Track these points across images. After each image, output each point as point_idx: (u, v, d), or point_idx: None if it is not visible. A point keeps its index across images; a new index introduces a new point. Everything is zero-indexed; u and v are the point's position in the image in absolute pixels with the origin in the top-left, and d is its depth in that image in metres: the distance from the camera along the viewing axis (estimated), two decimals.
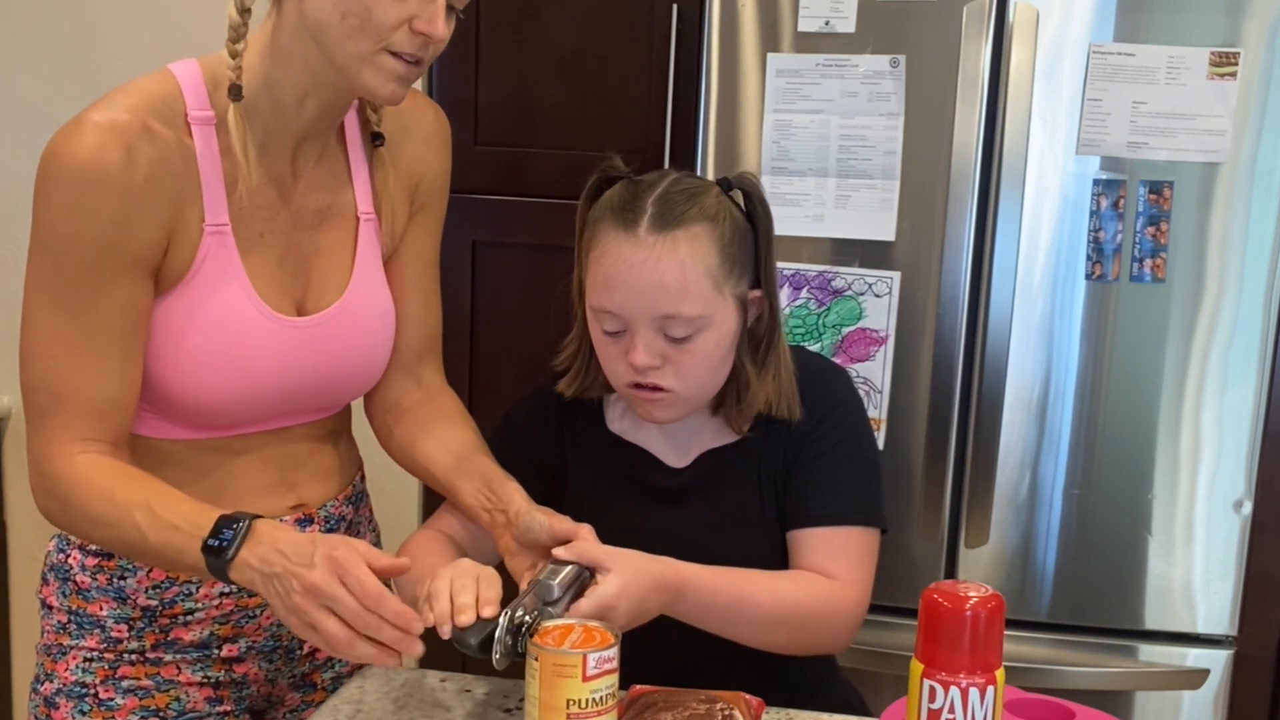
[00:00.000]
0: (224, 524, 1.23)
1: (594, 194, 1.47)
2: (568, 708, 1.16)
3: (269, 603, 1.22)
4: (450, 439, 1.50)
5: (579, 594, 1.27)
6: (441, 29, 1.27)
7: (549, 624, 1.21)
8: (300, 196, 1.38)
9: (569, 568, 1.29)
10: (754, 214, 1.45)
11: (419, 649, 1.18)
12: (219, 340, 1.32)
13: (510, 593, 1.27)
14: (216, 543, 1.22)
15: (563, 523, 1.36)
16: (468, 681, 1.45)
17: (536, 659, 1.16)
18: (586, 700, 1.16)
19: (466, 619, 1.20)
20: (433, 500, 1.54)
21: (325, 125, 1.37)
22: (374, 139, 1.43)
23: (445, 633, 1.21)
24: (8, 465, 2.78)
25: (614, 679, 1.18)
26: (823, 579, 1.46)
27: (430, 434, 1.50)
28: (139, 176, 1.25)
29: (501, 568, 1.35)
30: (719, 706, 1.29)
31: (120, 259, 1.26)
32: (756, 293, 1.46)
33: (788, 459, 1.50)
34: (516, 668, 1.22)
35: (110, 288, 1.26)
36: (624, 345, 1.42)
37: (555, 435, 1.56)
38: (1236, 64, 2.04)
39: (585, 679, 1.16)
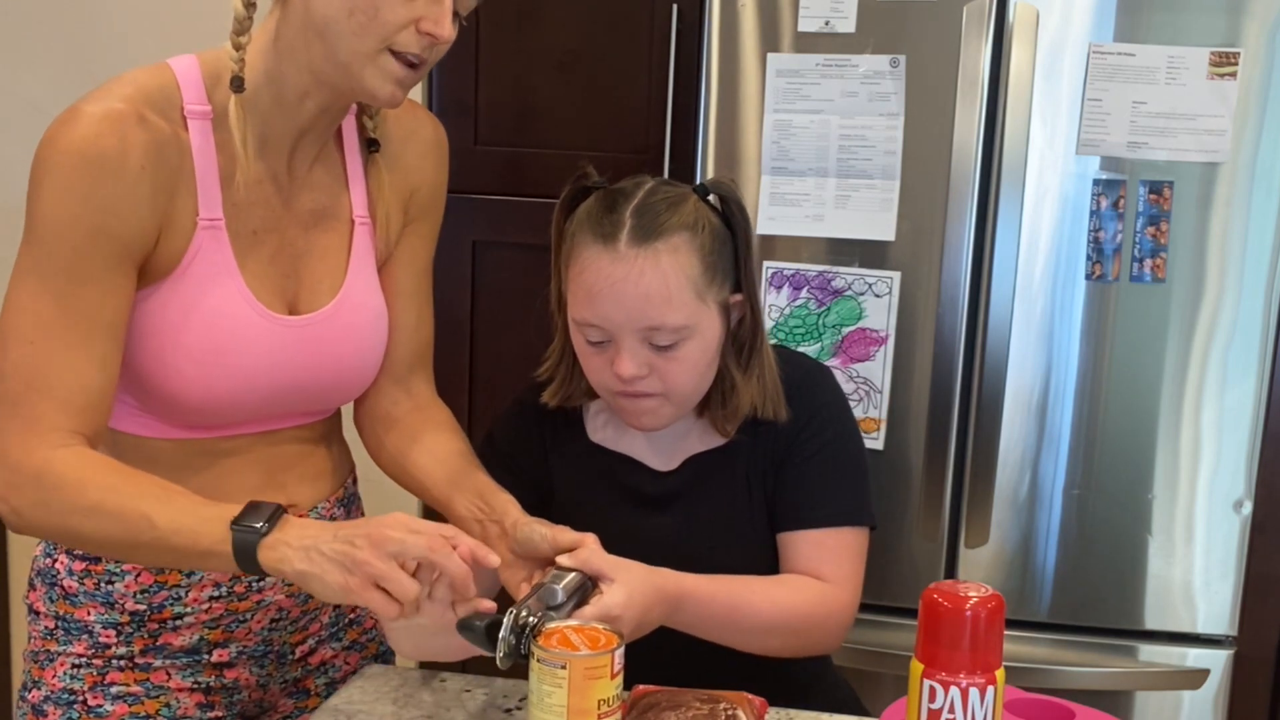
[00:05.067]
0: (252, 507, 1.21)
1: (569, 205, 1.46)
2: (599, 708, 1.17)
3: (308, 574, 1.17)
4: (440, 450, 1.49)
5: (581, 602, 1.27)
6: (447, 30, 1.27)
7: (553, 625, 1.21)
8: (296, 196, 1.38)
9: (572, 574, 1.29)
10: (731, 218, 1.45)
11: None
12: (210, 335, 1.31)
13: (504, 604, 1.27)
14: (246, 523, 1.19)
15: (565, 533, 1.35)
16: (468, 681, 1.45)
17: (564, 666, 1.16)
18: (613, 698, 1.19)
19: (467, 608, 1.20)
20: None
21: (324, 126, 1.37)
22: (369, 146, 1.43)
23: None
24: None
25: (621, 674, 1.21)
26: (815, 582, 1.46)
27: (421, 444, 1.49)
28: (133, 163, 1.24)
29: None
30: (722, 706, 1.29)
31: (111, 247, 1.25)
32: (738, 296, 1.46)
33: (776, 461, 1.50)
34: (517, 668, 1.22)
35: (99, 275, 1.25)
36: (609, 356, 1.42)
37: (538, 448, 1.56)
38: (1236, 64, 2.04)
39: (612, 676, 1.18)
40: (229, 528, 1.19)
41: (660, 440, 1.53)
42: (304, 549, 1.17)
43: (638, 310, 1.38)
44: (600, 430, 1.55)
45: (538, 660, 1.17)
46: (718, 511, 1.51)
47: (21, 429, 1.24)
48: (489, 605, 1.23)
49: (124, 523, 1.22)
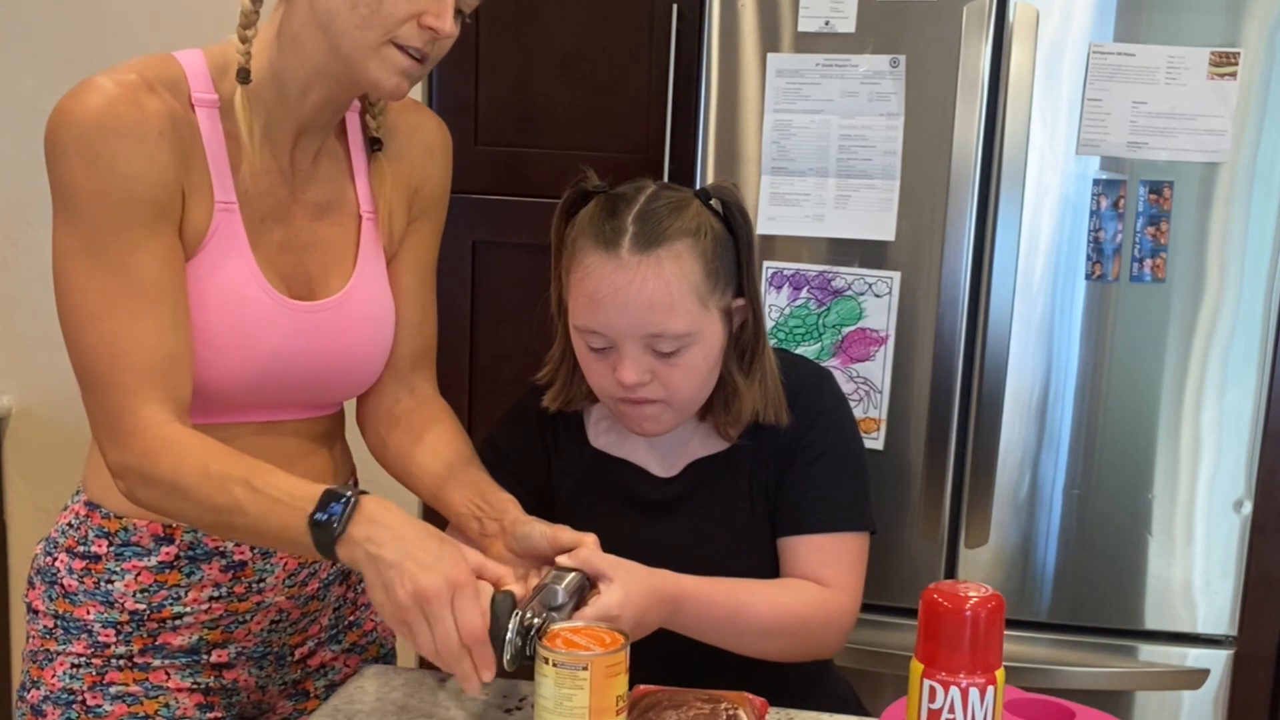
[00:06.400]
0: (330, 497, 1.21)
1: (569, 210, 1.46)
2: (616, 704, 1.18)
3: (367, 583, 1.20)
4: (442, 448, 1.49)
5: (580, 603, 1.27)
6: (449, 25, 1.28)
7: (555, 628, 1.21)
8: (302, 188, 1.39)
9: (572, 574, 1.29)
10: (733, 223, 1.44)
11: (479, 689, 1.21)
12: (222, 318, 1.31)
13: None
14: (324, 516, 1.20)
15: (564, 532, 1.35)
16: None
17: (585, 668, 1.16)
18: (625, 694, 1.20)
19: (489, 675, 1.20)
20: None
21: (325, 120, 1.38)
22: (372, 144, 1.44)
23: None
24: (8, 465, 2.78)
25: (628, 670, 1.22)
26: (815, 587, 1.46)
27: (423, 443, 1.50)
28: (152, 129, 1.25)
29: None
30: (723, 706, 1.29)
31: (149, 212, 1.25)
32: (740, 301, 1.46)
33: (778, 465, 1.50)
34: (523, 668, 1.22)
35: (145, 241, 1.25)
36: (611, 362, 1.41)
37: (539, 451, 1.56)
38: (1236, 64, 2.04)
39: (625, 673, 1.19)
40: (307, 525, 1.21)
41: (662, 445, 1.52)
42: (370, 557, 1.19)
43: (640, 318, 1.37)
44: (602, 435, 1.55)
45: (554, 665, 1.16)
46: (720, 517, 1.51)
47: (120, 408, 1.26)
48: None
49: (217, 510, 1.25)
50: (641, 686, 1.34)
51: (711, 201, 1.45)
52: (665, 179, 2.32)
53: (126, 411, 1.26)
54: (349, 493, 1.22)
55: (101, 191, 1.24)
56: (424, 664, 1.51)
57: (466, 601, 1.18)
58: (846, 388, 2.16)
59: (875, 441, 2.18)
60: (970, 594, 1.11)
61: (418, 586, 1.17)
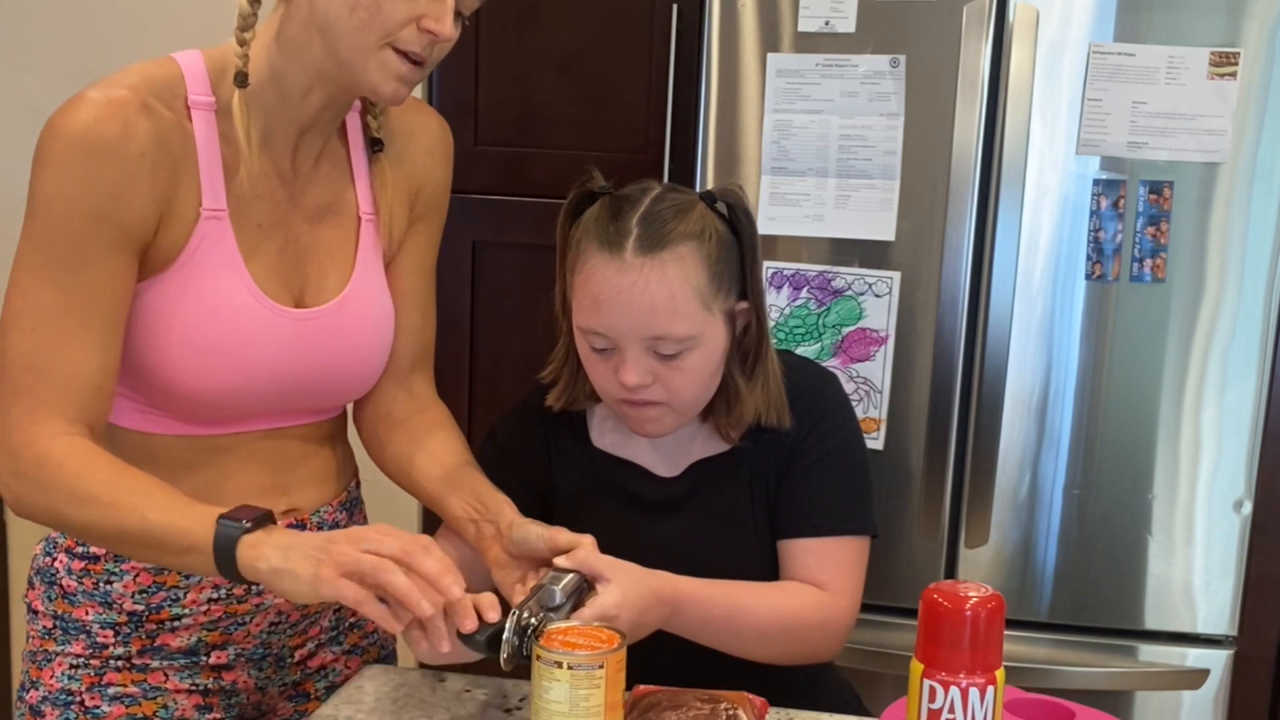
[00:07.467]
0: (242, 507, 1.21)
1: (574, 211, 1.46)
2: (621, 699, 1.19)
3: (281, 570, 1.16)
4: (440, 452, 1.49)
5: (578, 604, 1.27)
6: (449, 28, 1.27)
7: (553, 627, 1.21)
8: (301, 191, 1.38)
9: (570, 575, 1.29)
10: (738, 226, 1.44)
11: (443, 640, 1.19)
12: (213, 326, 1.31)
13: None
14: (231, 521, 1.19)
15: (561, 533, 1.35)
16: (468, 681, 1.45)
17: (601, 666, 1.16)
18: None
19: (470, 624, 1.20)
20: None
21: (327, 121, 1.37)
22: (373, 145, 1.43)
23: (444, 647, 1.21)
24: None
25: None
26: (814, 590, 1.46)
27: (423, 449, 1.49)
28: (135, 150, 1.24)
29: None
30: (723, 706, 1.29)
31: (112, 232, 1.25)
32: (744, 304, 1.46)
33: (779, 468, 1.50)
34: (519, 668, 1.22)
35: (99, 261, 1.25)
36: (614, 363, 1.41)
37: (541, 449, 1.56)
38: (1236, 64, 2.04)
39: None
40: (214, 522, 1.19)
41: (664, 446, 1.52)
42: (282, 547, 1.17)
43: (643, 320, 1.37)
44: (605, 435, 1.55)
45: (570, 669, 1.16)
46: (721, 518, 1.51)
47: (25, 416, 1.25)
48: (493, 616, 1.23)
49: (115, 514, 1.22)
50: (641, 686, 1.34)
51: (717, 204, 1.45)
52: (665, 179, 2.32)
53: (31, 420, 1.24)
54: (264, 511, 1.21)
55: (68, 206, 1.24)
56: (423, 665, 1.51)
57: (373, 536, 1.17)
58: (846, 388, 2.15)
59: (875, 441, 2.18)
60: (970, 594, 1.11)
61: (348, 533, 1.18)
